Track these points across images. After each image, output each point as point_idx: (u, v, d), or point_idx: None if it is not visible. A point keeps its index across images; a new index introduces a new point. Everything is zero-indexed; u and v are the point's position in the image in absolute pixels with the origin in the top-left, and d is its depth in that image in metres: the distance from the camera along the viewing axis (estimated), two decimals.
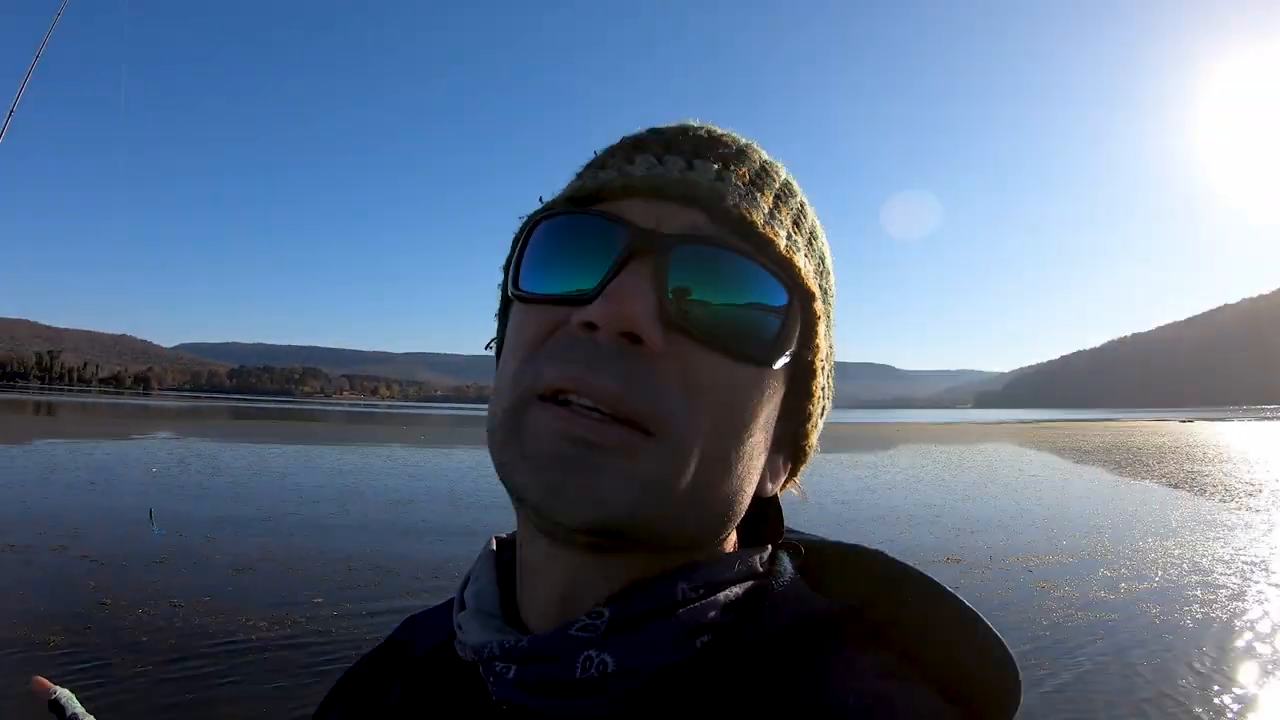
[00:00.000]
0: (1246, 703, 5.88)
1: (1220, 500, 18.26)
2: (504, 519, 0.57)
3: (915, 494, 18.52)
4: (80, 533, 10.62)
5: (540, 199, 0.59)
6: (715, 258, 0.51)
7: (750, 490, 0.55)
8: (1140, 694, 5.94)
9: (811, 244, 0.58)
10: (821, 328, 0.56)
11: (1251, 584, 9.60)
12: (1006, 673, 0.50)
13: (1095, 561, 10.79)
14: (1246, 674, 6.47)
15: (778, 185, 0.57)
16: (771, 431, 0.55)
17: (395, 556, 9.99)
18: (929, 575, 0.56)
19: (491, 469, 0.52)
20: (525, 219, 0.57)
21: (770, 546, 0.59)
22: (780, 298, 0.52)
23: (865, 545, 0.61)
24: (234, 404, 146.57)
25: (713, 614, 0.52)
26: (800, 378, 0.56)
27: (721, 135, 0.58)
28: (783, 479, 0.61)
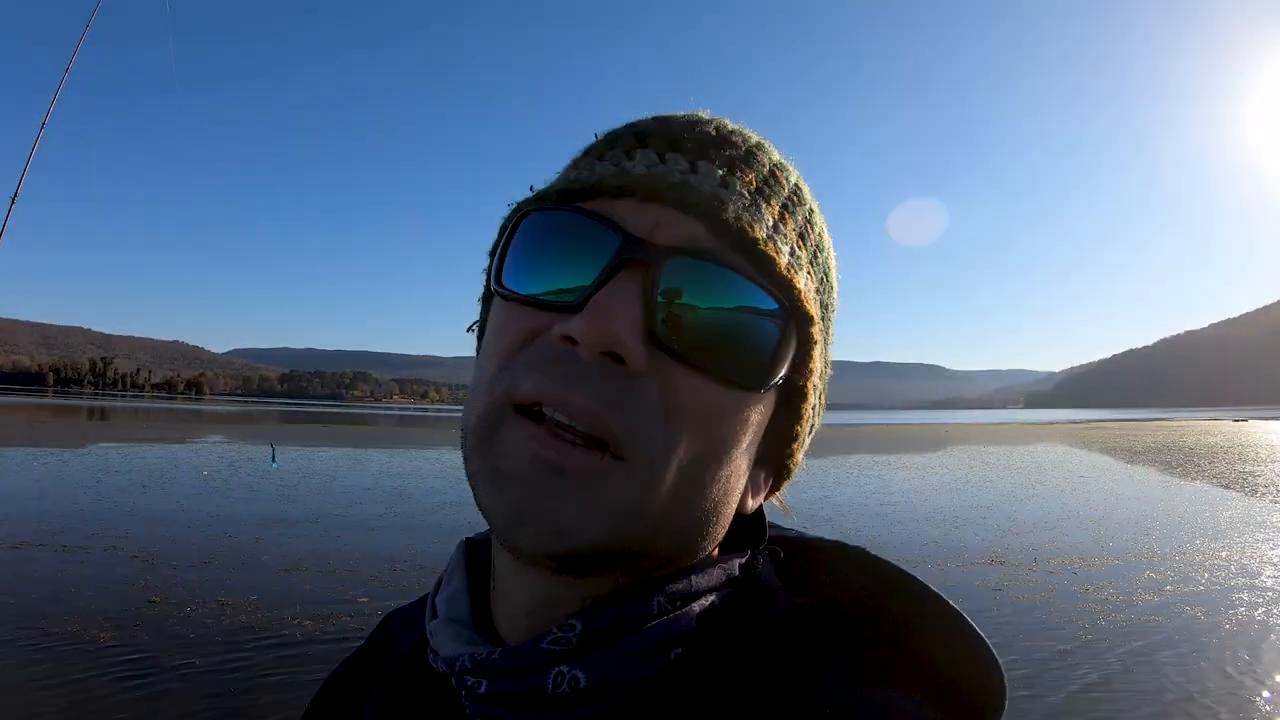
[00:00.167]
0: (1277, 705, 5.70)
1: (1272, 500, 17.70)
2: None
3: (962, 495, 18.12)
4: (131, 533, 10.95)
5: (531, 188, 0.56)
6: (709, 274, 0.48)
7: (729, 511, 0.53)
8: (1167, 696, 5.78)
9: (816, 258, 0.55)
10: (817, 350, 0.53)
11: None
12: (992, 675, 0.47)
13: (1141, 564, 10.43)
14: None
15: (786, 192, 0.54)
16: (755, 452, 0.53)
17: (440, 557, 9.97)
18: (912, 573, 0.54)
19: None
20: (514, 206, 0.55)
21: (750, 551, 0.57)
22: (776, 321, 0.50)
23: (846, 541, 0.58)
24: (285, 408, 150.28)
25: (687, 625, 0.50)
26: (790, 399, 0.54)
27: (731, 133, 0.54)
28: (764, 494, 0.58)
